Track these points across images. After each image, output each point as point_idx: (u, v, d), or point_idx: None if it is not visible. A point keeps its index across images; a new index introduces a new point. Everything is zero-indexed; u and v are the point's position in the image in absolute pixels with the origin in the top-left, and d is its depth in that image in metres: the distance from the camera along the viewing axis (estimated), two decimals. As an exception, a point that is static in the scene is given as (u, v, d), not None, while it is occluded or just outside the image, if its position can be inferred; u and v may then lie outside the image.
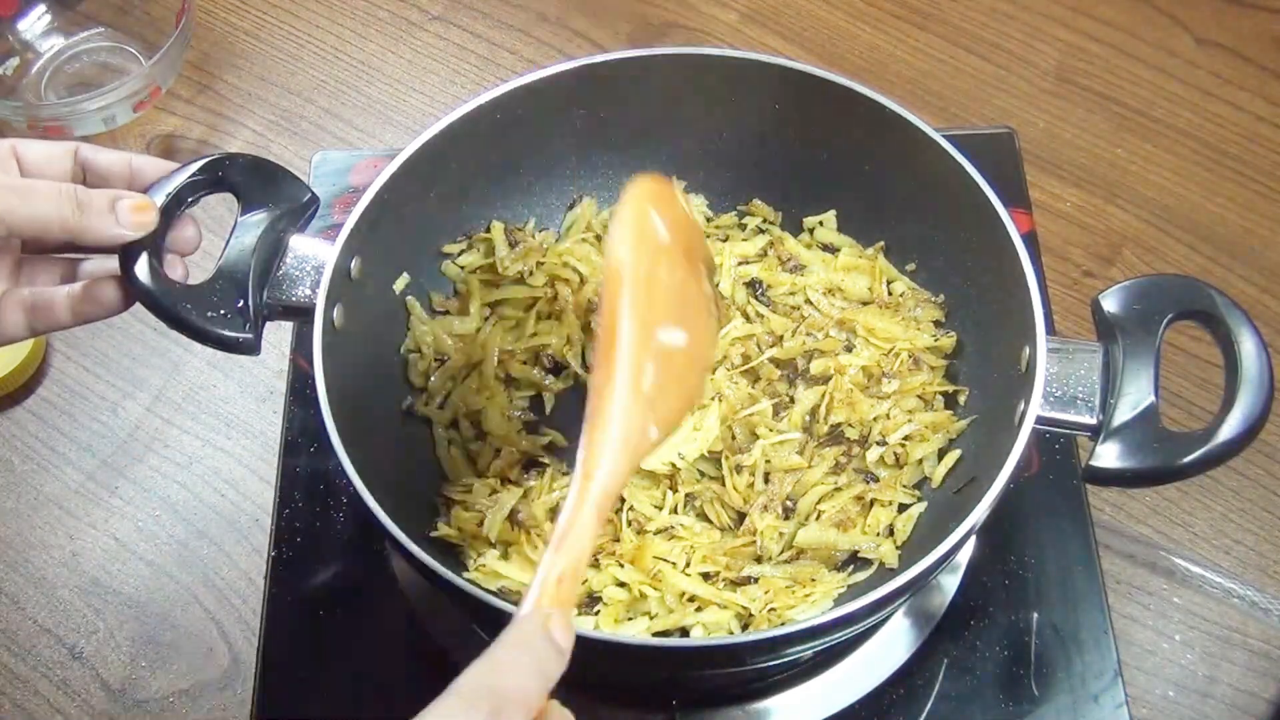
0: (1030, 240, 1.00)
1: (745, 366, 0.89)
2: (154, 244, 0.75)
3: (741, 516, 0.84)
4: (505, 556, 0.82)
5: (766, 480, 0.85)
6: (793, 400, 0.88)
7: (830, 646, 0.80)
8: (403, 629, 0.88)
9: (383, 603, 0.89)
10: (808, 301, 0.92)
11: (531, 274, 0.92)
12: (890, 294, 0.91)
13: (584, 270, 0.92)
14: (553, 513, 0.84)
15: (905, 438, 0.85)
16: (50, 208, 0.70)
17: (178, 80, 1.18)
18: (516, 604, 0.73)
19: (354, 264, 0.81)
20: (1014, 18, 1.21)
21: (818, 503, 0.84)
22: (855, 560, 0.83)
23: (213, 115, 1.17)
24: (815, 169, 0.92)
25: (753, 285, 0.93)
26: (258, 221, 0.79)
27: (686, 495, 0.85)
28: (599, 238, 0.95)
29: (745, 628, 0.79)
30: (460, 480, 0.87)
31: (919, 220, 0.89)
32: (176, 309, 0.75)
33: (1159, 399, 0.71)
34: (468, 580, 0.73)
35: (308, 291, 0.78)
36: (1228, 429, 0.69)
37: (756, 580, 0.80)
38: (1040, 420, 0.72)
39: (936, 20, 1.22)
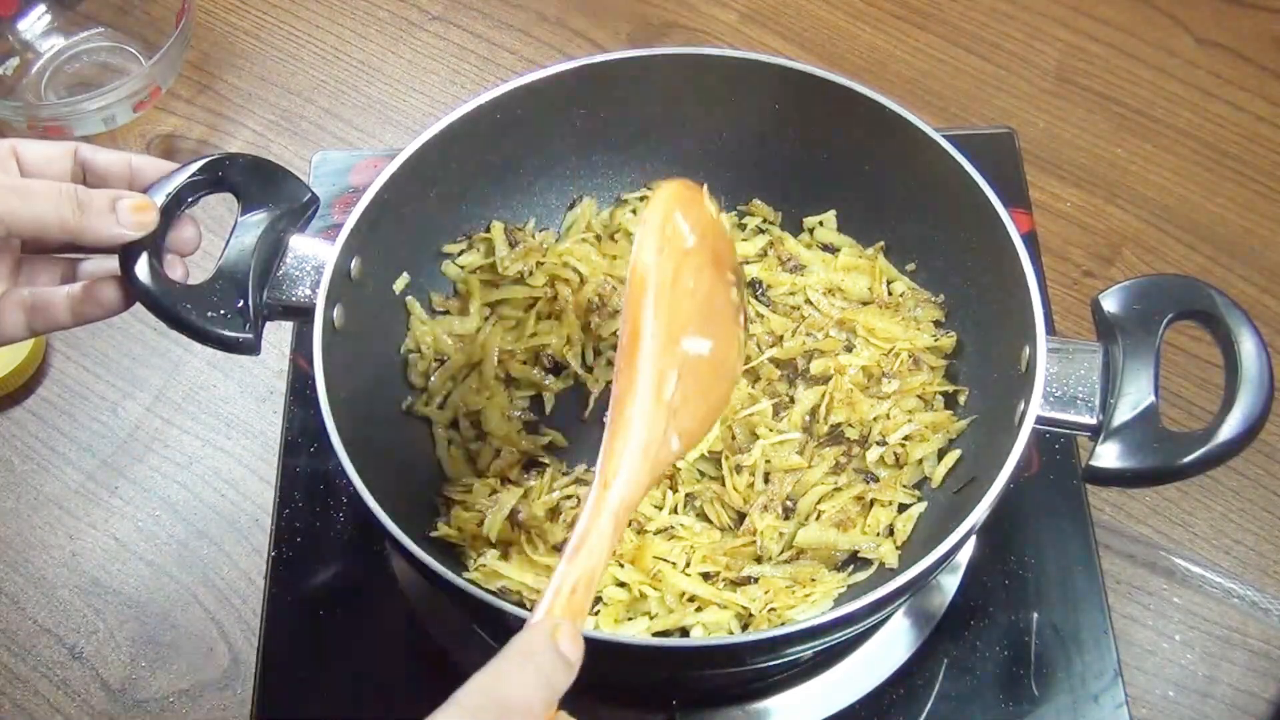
0: (1030, 240, 1.00)
1: (745, 366, 0.89)
2: (154, 244, 0.75)
3: (741, 516, 0.84)
4: (505, 556, 0.82)
5: (766, 480, 0.85)
6: (793, 400, 0.88)
7: (830, 646, 0.80)
8: (403, 629, 0.88)
9: (383, 603, 0.89)
10: (808, 301, 0.92)
11: (531, 274, 0.92)
12: (890, 294, 0.91)
13: (584, 270, 0.92)
14: (553, 513, 0.84)
15: (905, 438, 0.85)
16: (50, 208, 0.70)
17: (178, 80, 1.18)
18: (517, 604, 0.74)
19: (354, 264, 0.81)
20: (1014, 18, 1.21)
21: (818, 503, 0.84)
22: (855, 560, 0.83)
23: (213, 115, 1.17)
24: (815, 169, 0.92)
25: (753, 285, 0.93)
26: (258, 221, 0.79)
27: (686, 495, 0.85)
28: (599, 238, 0.95)
29: (745, 628, 0.79)
30: (460, 480, 0.87)
31: (919, 220, 0.89)
32: (176, 309, 0.75)
33: (1159, 399, 0.71)
34: (468, 580, 0.73)
35: (308, 291, 0.78)
36: (1228, 429, 0.69)
37: (756, 580, 0.80)
38: (1040, 420, 0.72)
39: (936, 20, 1.22)
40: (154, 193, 0.75)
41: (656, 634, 0.79)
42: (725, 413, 0.87)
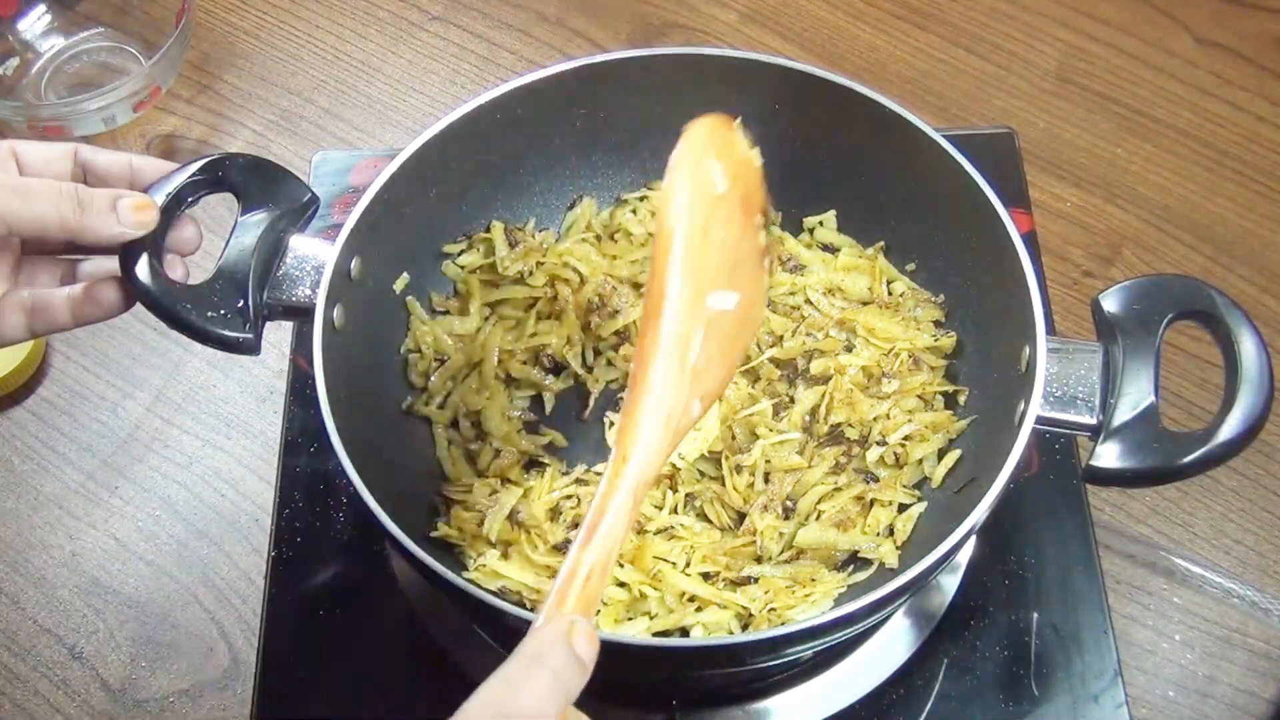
0: (1030, 240, 1.00)
1: (745, 366, 0.89)
2: (154, 244, 0.75)
3: (741, 516, 0.84)
4: (505, 556, 0.82)
5: (766, 480, 0.85)
6: (793, 400, 0.88)
7: (830, 646, 0.80)
8: (403, 629, 0.88)
9: (383, 603, 0.89)
10: (808, 301, 0.92)
11: (531, 274, 0.92)
12: (890, 294, 0.91)
13: (584, 270, 0.92)
14: (553, 513, 0.84)
15: (905, 438, 0.85)
16: (50, 207, 0.70)
17: (178, 80, 1.18)
18: (517, 604, 0.74)
19: (354, 264, 0.81)
20: (1014, 18, 1.21)
21: (818, 503, 0.84)
22: (855, 560, 0.83)
23: (213, 115, 1.17)
24: (815, 169, 0.92)
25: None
26: (258, 221, 0.79)
27: (686, 495, 0.85)
28: (599, 238, 0.95)
29: (745, 628, 0.79)
30: (460, 480, 0.87)
31: (919, 220, 0.89)
32: (176, 309, 0.75)
33: (1159, 399, 0.71)
34: (468, 580, 0.73)
35: (308, 291, 0.78)
36: (1228, 429, 0.69)
37: (756, 580, 0.80)
38: (1040, 420, 0.72)
39: (936, 20, 1.22)
40: (154, 193, 0.75)
41: (656, 634, 0.79)
42: (725, 412, 0.87)
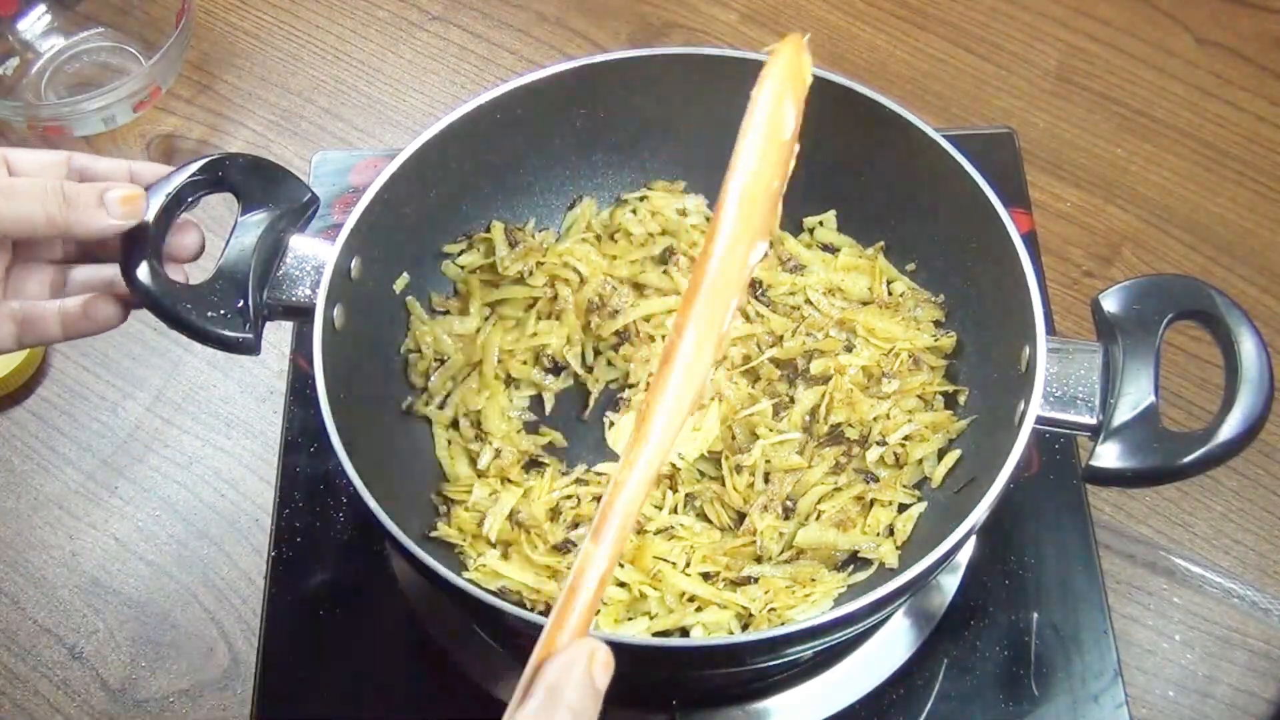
0: (1030, 240, 1.00)
1: (745, 366, 0.89)
2: (154, 244, 0.75)
3: (741, 516, 0.84)
4: (505, 556, 0.82)
5: (766, 480, 0.85)
6: (793, 400, 0.88)
7: (830, 646, 0.80)
8: (403, 629, 0.88)
9: (383, 603, 0.89)
10: (808, 301, 0.92)
11: (531, 274, 0.92)
12: (890, 294, 0.91)
13: (584, 270, 0.92)
14: (553, 513, 0.84)
15: (905, 438, 0.85)
16: (37, 206, 0.69)
17: (178, 80, 1.18)
18: (517, 604, 0.74)
19: (354, 264, 0.81)
20: (1014, 18, 1.21)
21: (818, 503, 0.84)
22: (855, 560, 0.83)
23: (213, 115, 1.17)
24: (815, 169, 0.91)
25: (753, 285, 0.93)
26: (258, 221, 0.79)
27: (686, 495, 0.85)
28: (599, 238, 0.95)
29: (745, 628, 0.79)
30: (460, 480, 0.87)
31: (919, 220, 0.89)
32: (176, 309, 0.75)
33: (1159, 399, 0.71)
34: (468, 580, 0.73)
35: (308, 291, 0.78)
36: (1228, 429, 0.69)
37: (756, 580, 0.80)
38: (1040, 420, 0.72)
39: (936, 20, 1.22)
40: (154, 193, 0.75)
41: (656, 634, 0.79)
42: (725, 412, 0.87)
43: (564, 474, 0.87)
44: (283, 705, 0.85)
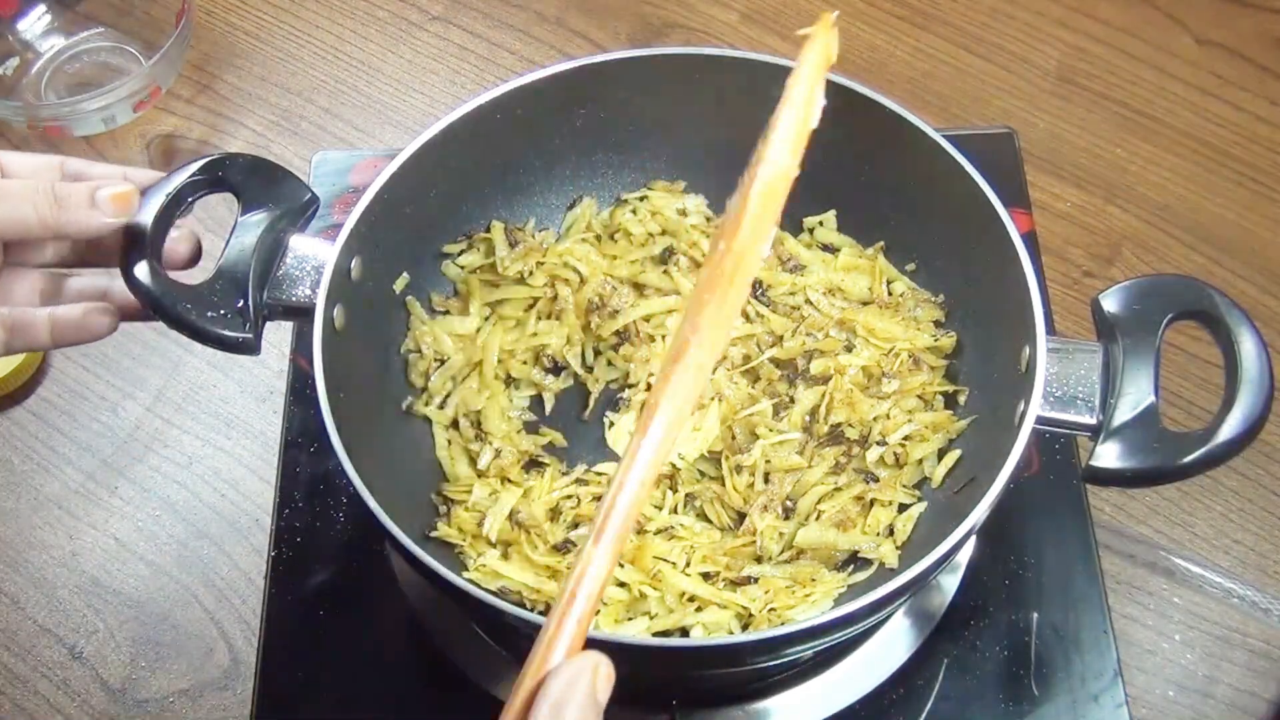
0: (1030, 240, 1.00)
1: (745, 366, 0.89)
2: (154, 244, 0.75)
3: (741, 516, 0.84)
4: (505, 556, 0.82)
5: (766, 480, 0.85)
6: (793, 400, 0.88)
7: (830, 646, 0.80)
8: (403, 629, 0.88)
9: (383, 603, 0.89)
10: (808, 301, 0.92)
11: (531, 274, 0.92)
12: (890, 294, 0.91)
13: (584, 270, 0.92)
14: (553, 513, 0.84)
15: (905, 438, 0.85)
16: (28, 208, 0.69)
17: (178, 80, 1.18)
18: (517, 604, 0.74)
19: (354, 264, 0.81)
20: (1014, 18, 1.21)
21: (818, 503, 0.84)
22: (855, 560, 0.83)
23: (213, 115, 1.17)
24: (815, 169, 0.91)
25: (753, 285, 0.92)
26: (258, 221, 0.79)
27: (686, 495, 0.85)
28: (599, 238, 0.95)
29: (745, 628, 0.79)
30: (460, 480, 0.87)
31: (919, 220, 0.89)
32: (176, 309, 0.75)
33: (1159, 399, 0.71)
34: (468, 580, 0.73)
35: (308, 291, 0.78)
36: (1228, 429, 0.69)
37: (756, 580, 0.80)
38: (1040, 420, 0.72)
39: (936, 20, 1.22)
40: (154, 192, 0.75)
41: (656, 634, 0.79)
42: (725, 412, 0.87)
43: (564, 474, 0.87)
44: (283, 705, 0.85)
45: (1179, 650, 0.90)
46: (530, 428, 0.91)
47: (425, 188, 0.86)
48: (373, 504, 0.70)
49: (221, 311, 0.76)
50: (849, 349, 0.89)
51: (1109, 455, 0.70)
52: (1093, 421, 0.72)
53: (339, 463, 0.71)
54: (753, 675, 0.84)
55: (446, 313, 0.92)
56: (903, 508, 0.84)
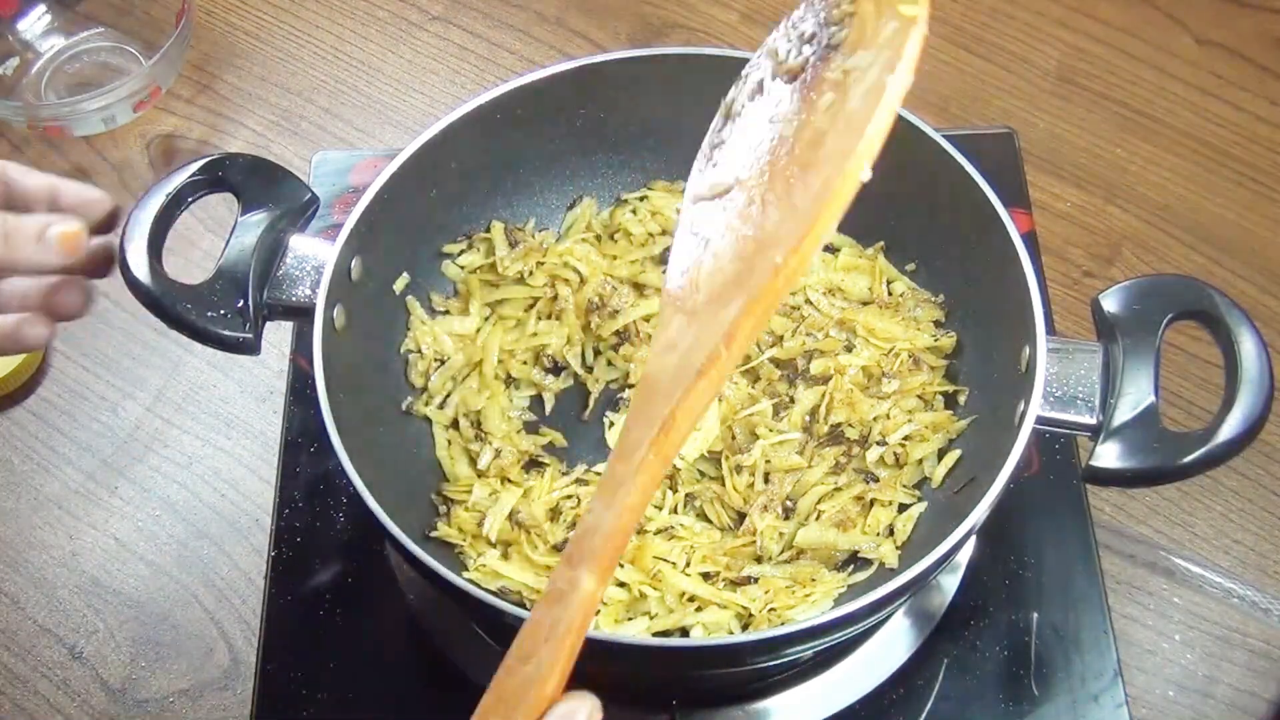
0: (1030, 240, 1.00)
1: (745, 366, 0.89)
2: (154, 244, 0.75)
3: (741, 516, 0.84)
4: (505, 556, 0.82)
5: (766, 480, 0.85)
6: (793, 400, 0.88)
7: (830, 646, 0.80)
8: (403, 629, 0.88)
9: (383, 603, 0.89)
10: (808, 301, 0.92)
11: (531, 274, 0.92)
12: (890, 294, 0.91)
13: (584, 270, 0.92)
14: (553, 513, 0.84)
15: (905, 438, 0.85)
16: None
17: (178, 80, 1.18)
18: (517, 604, 0.73)
19: (354, 264, 0.81)
20: (1014, 18, 1.21)
21: (818, 503, 0.84)
22: (855, 560, 0.83)
23: (213, 115, 1.17)
24: (815, 169, 0.92)
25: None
26: (258, 221, 0.79)
27: (686, 495, 0.85)
28: (599, 238, 0.95)
29: (745, 628, 0.79)
30: (460, 480, 0.87)
31: (919, 220, 0.89)
32: (176, 309, 0.75)
33: (1159, 399, 0.71)
34: (468, 580, 0.73)
35: (308, 291, 0.78)
36: (1228, 429, 0.69)
37: (756, 580, 0.80)
38: (1040, 420, 0.72)
39: (937, 20, 1.21)
40: (154, 192, 0.75)
41: (656, 634, 0.79)
42: (725, 412, 0.87)
43: (564, 474, 0.87)
44: (283, 705, 0.85)
45: (1179, 650, 0.90)
46: (530, 428, 0.91)
47: (425, 188, 0.86)
48: (373, 504, 0.70)
49: (221, 311, 0.76)
50: (849, 349, 0.89)
51: (1109, 455, 0.70)
52: (1093, 421, 0.72)
53: (339, 463, 0.71)
54: (753, 675, 0.84)
55: (446, 313, 0.92)
56: (903, 508, 0.84)
